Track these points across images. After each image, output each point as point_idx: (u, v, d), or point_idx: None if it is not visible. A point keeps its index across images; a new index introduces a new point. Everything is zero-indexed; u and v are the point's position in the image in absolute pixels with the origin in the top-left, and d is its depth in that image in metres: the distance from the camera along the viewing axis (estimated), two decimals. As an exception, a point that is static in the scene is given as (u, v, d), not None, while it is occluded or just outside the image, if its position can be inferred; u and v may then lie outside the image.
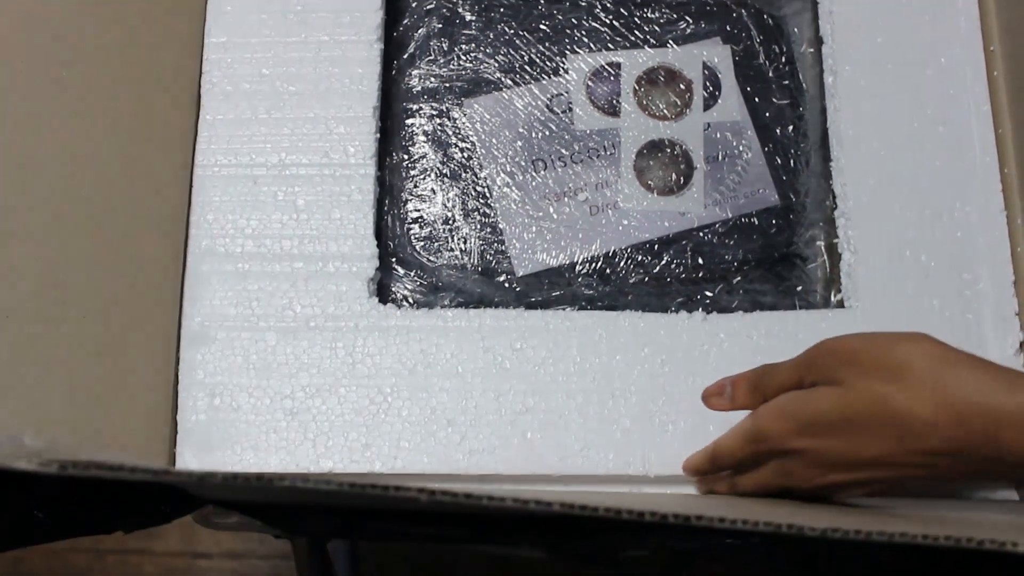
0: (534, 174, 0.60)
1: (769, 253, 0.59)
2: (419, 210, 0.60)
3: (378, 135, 0.59)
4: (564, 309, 0.57)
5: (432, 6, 0.63)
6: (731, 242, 0.59)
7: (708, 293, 0.58)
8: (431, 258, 0.59)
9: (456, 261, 0.59)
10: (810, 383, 0.46)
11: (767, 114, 0.61)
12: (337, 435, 0.54)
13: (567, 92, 0.61)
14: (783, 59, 0.62)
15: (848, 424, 0.44)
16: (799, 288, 0.59)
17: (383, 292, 0.58)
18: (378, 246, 0.57)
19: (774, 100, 0.61)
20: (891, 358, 0.43)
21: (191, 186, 0.58)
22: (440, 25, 0.63)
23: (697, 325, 0.56)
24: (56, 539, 0.52)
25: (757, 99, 0.61)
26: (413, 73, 0.62)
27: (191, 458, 0.55)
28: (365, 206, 0.57)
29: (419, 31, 0.63)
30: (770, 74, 0.62)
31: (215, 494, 0.52)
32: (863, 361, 0.44)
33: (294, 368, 0.55)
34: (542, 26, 0.62)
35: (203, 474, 0.37)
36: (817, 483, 0.47)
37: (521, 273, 0.59)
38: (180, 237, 0.57)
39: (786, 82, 0.62)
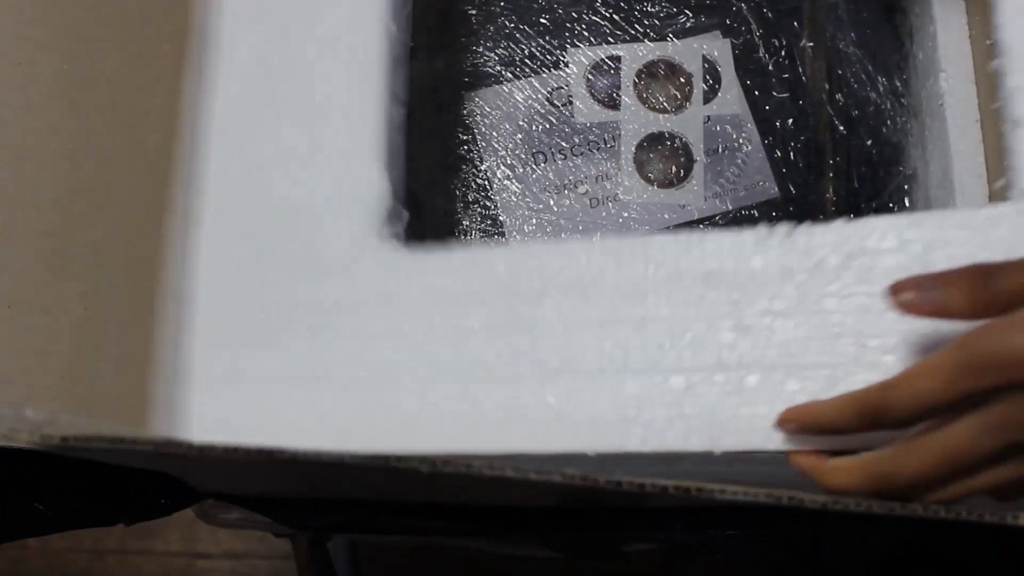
0: (534, 167, 0.60)
1: (770, 245, 0.59)
2: (419, 203, 0.60)
3: (384, 62, 0.51)
4: (596, 236, 0.47)
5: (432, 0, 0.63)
6: (732, 234, 0.59)
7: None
8: (431, 250, 0.59)
9: (457, 253, 0.59)
10: None
11: (767, 107, 0.61)
12: (338, 409, 0.47)
13: (567, 85, 0.61)
14: (783, 52, 0.62)
15: None
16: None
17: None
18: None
19: (774, 93, 0.61)
20: None
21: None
22: (440, 20, 0.63)
23: (778, 244, 0.43)
24: (57, 531, 0.52)
25: (757, 92, 0.61)
26: (413, 67, 0.62)
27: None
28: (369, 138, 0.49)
29: (419, 25, 0.63)
30: (770, 67, 0.62)
31: (215, 484, 0.52)
32: None
33: (295, 334, 0.48)
34: (542, 20, 0.62)
35: (203, 446, 0.37)
36: None
37: (522, 265, 0.59)
38: (183, 213, 0.56)
39: (786, 75, 0.62)
